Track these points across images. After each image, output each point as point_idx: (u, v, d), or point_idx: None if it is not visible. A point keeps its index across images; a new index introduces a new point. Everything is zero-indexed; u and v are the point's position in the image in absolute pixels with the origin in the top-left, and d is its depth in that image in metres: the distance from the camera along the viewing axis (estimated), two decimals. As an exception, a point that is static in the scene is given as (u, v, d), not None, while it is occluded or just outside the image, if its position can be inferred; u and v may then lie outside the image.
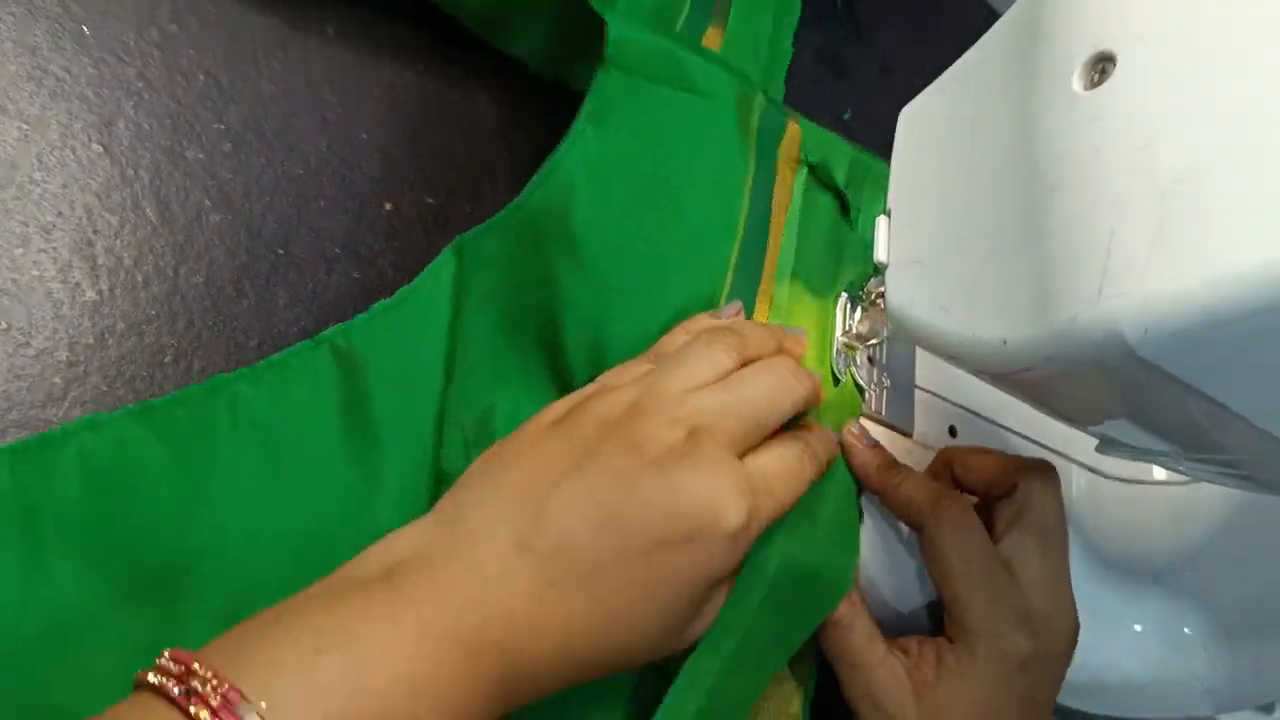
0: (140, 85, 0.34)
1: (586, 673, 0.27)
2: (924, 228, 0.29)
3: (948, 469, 0.38)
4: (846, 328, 0.38)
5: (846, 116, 0.54)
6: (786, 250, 0.37)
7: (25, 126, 0.32)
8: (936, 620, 0.36)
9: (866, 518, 0.37)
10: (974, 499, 0.37)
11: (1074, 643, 0.35)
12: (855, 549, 0.35)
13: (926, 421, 0.41)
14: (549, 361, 0.35)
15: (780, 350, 0.33)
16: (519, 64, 0.43)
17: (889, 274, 0.30)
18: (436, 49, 0.42)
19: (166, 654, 0.23)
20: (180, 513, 0.29)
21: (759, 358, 0.32)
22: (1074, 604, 0.35)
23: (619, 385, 0.30)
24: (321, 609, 0.25)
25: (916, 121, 0.31)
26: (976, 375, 0.28)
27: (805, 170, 0.40)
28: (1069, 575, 0.36)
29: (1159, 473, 0.46)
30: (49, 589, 0.27)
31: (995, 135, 0.26)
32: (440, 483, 0.32)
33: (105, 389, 0.31)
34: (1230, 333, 0.20)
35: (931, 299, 0.28)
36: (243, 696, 0.21)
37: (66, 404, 0.31)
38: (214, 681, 0.21)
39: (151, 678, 0.22)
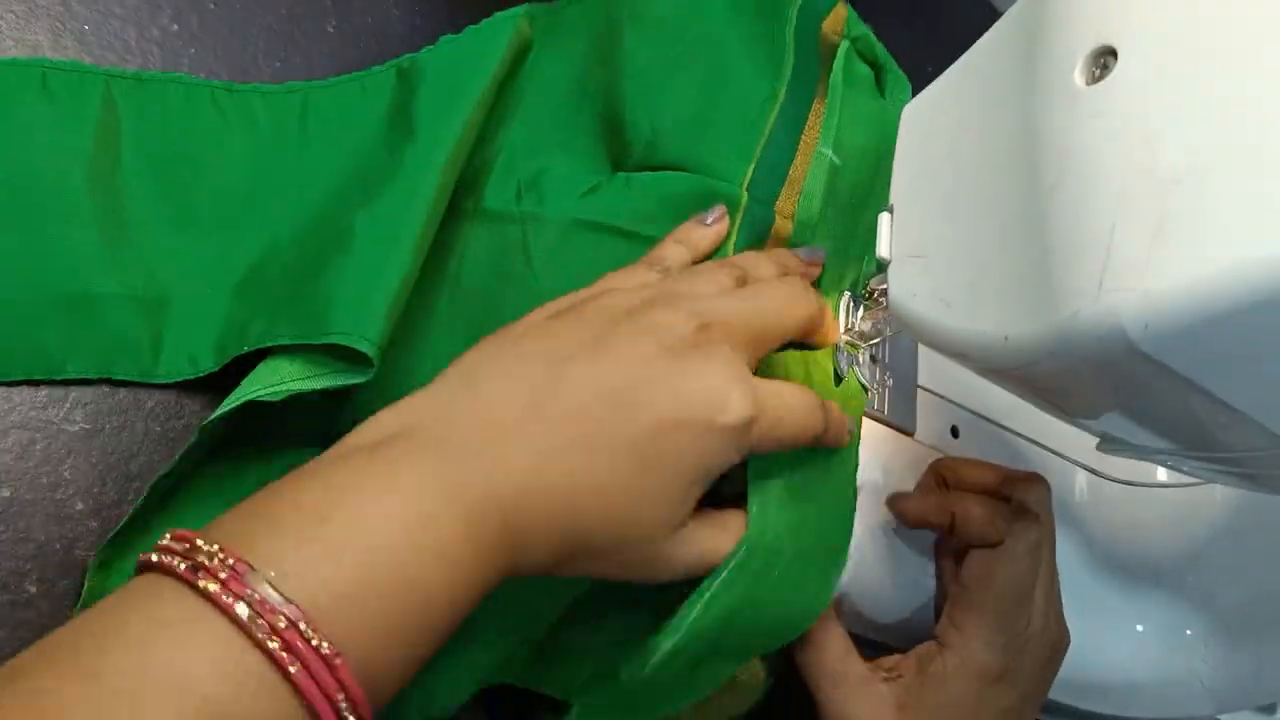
0: (141, 84, 0.34)
1: (582, 551, 0.27)
2: (926, 224, 0.29)
3: (940, 481, 0.38)
4: (849, 326, 0.38)
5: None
6: (828, 127, 0.37)
7: (26, 125, 0.32)
8: (916, 636, 0.36)
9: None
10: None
11: (1062, 656, 0.35)
12: (840, 565, 0.34)
13: (928, 421, 0.41)
14: (608, 139, 0.37)
15: (786, 270, 0.34)
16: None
17: (891, 269, 0.30)
18: (438, 48, 0.42)
19: (169, 535, 0.22)
20: (241, 174, 0.35)
21: (755, 272, 0.33)
22: (1062, 618, 0.36)
23: (625, 287, 0.31)
24: (326, 475, 0.25)
25: (919, 118, 0.31)
26: (978, 372, 0.28)
27: (846, 50, 0.39)
28: (1058, 588, 0.36)
29: (1161, 475, 0.46)
30: (113, 179, 0.33)
31: (997, 131, 0.26)
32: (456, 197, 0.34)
33: (106, 389, 0.31)
34: (1231, 328, 0.20)
35: (933, 294, 0.28)
36: (250, 566, 0.21)
37: (68, 404, 0.31)
38: (221, 555, 0.21)
39: (155, 557, 0.22)
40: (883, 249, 0.31)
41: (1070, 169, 0.23)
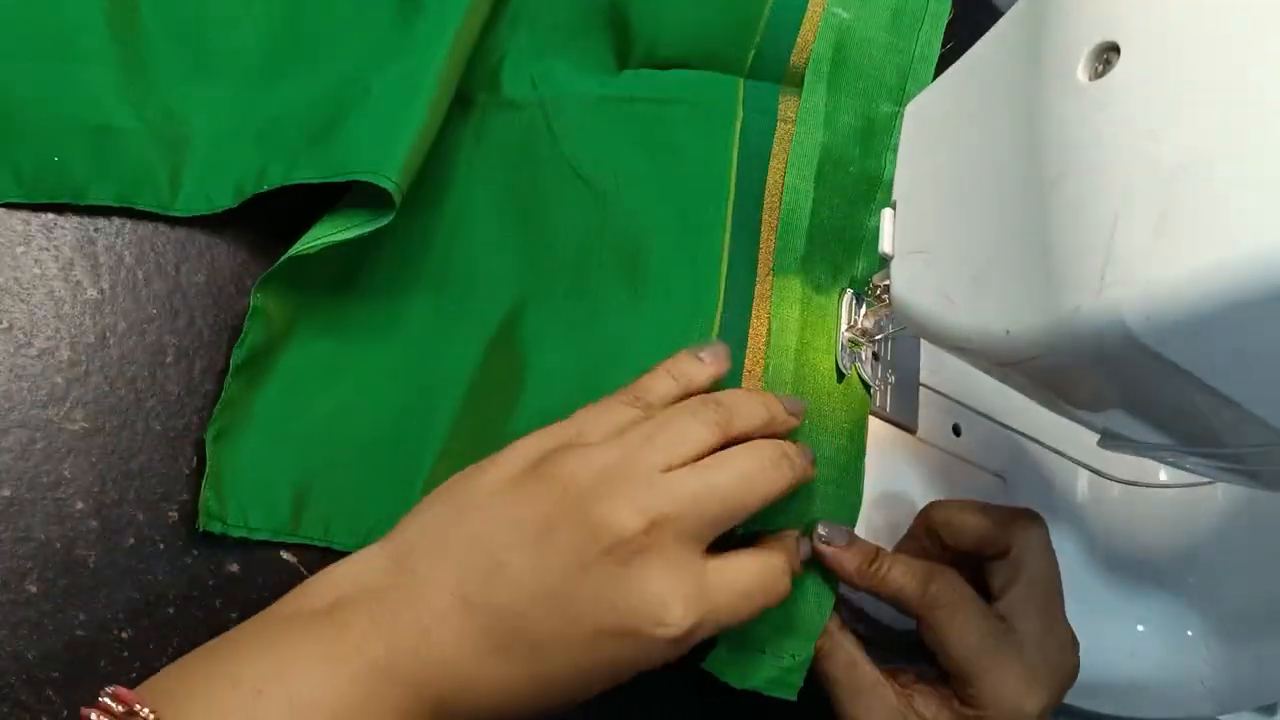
0: (142, 83, 0.34)
1: None
2: (929, 219, 0.29)
3: (931, 531, 0.36)
4: (852, 323, 0.38)
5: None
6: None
7: (27, 124, 0.32)
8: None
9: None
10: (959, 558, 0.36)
11: (1074, 677, 0.35)
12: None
13: (931, 419, 0.41)
14: (611, 42, 0.39)
15: (772, 423, 0.32)
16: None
17: (894, 264, 0.30)
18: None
19: (109, 691, 0.23)
20: (258, 35, 0.36)
21: (745, 435, 0.31)
22: (1074, 640, 0.35)
23: (591, 442, 0.29)
24: (263, 647, 0.25)
25: (923, 115, 0.31)
26: (980, 368, 0.28)
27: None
28: (1064, 615, 0.35)
29: (1163, 475, 0.46)
30: None
31: (1001, 127, 0.26)
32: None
33: (107, 388, 0.31)
34: (1232, 321, 0.20)
35: (936, 289, 0.28)
36: None
37: (68, 404, 0.30)
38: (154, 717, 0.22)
39: (94, 716, 0.23)
40: (885, 244, 0.31)
41: (1073, 163, 0.23)
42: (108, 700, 0.23)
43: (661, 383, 0.32)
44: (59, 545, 0.29)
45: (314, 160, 0.32)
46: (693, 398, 0.31)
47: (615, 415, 0.30)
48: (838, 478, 0.35)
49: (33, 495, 0.29)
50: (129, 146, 0.32)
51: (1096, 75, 0.22)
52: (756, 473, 0.29)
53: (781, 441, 0.31)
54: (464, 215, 0.37)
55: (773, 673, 0.33)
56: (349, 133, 0.32)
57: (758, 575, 0.29)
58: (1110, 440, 0.28)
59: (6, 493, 0.29)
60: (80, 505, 0.30)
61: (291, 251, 0.31)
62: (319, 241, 0.31)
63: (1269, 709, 0.48)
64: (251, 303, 0.32)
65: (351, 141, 0.32)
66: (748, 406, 0.31)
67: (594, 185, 0.37)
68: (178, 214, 0.33)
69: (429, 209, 0.36)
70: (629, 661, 0.28)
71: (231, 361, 0.32)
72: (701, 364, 0.32)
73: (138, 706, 0.22)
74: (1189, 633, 0.44)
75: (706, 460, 0.29)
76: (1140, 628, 0.44)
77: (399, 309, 0.36)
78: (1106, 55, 0.22)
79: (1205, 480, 0.45)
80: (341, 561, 0.28)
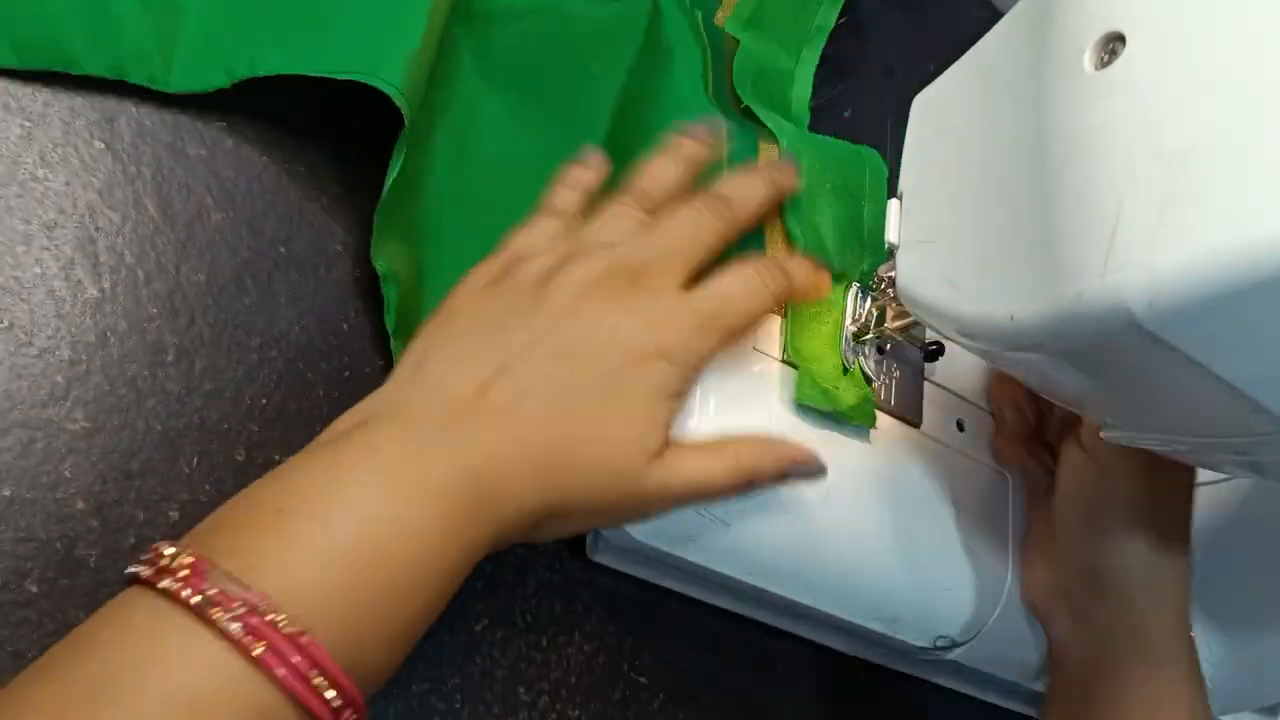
0: (142, 83, 0.34)
1: (564, 504, 0.28)
2: (935, 209, 0.30)
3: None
4: (856, 316, 0.38)
5: (847, 115, 0.54)
6: None
7: (28, 123, 0.32)
8: None
9: None
10: None
11: None
12: None
13: (934, 414, 0.41)
14: None
15: (686, 163, 0.34)
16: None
17: (899, 253, 0.31)
18: (438, 47, 0.42)
19: (147, 550, 0.23)
20: None
21: (661, 188, 0.33)
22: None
23: (536, 246, 0.31)
24: (285, 475, 0.25)
25: (929, 107, 0.32)
26: (984, 356, 0.28)
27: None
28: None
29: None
30: None
31: (1007, 117, 0.27)
32: None
33: (107, 388, 0.31)
34: (1234, 306, 0.20)
35: (941, 277, 0.28)
36: (211, 563, 0.22)
37: (69, 403, 0.30)
38: (182, 556, 0.22)
39: (130, 568, 0.23)
40: (891, 234, 0.31)
41: (1078, 150, 0.23)
42: (144, 556, 0.23)
43: (564, 195, 0.34)
44: (59, 545, 0.29)
45: (308, 55, 0.33)
46: (695, 198, 0.33)
47: (543, 227, 0.33)
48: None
49: (33, 495, 0.29)
50: (122, 17, 0.33)
51: (1102, 64, 0.23)
52: (692, 224, 0.32)
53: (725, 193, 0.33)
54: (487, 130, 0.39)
55: (854, 399, 0.36)
56: (346, 30, 0.33)
57: (737, 285, 0.31)
58: (1113, 430, 0.28)
59: (7, 492, 0.29)
60: (81, 505, 0.30)
61: (379, 206, 0.33)
62: (387, 184, 0.33)
63: (1270, 710, 0.48)
64: (378, 271, 0.34)
65: (347, 40, 0.33)
66: (664, 172, 0.34)
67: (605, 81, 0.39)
68: (172, 90, 0.34)
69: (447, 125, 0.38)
70: (649, 386, 0.28)
71: (387, 327, 0.34)
72: (586, 168, 0.35)
73: (164, 549, 0.23)
74: (1190, 633, 0.44)
75: (646, 229, 0.31)
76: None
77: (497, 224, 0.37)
78: (1112, 45, 0.23)
79: (1206, 481, 0.45)
80: (363, 400, 0.29)
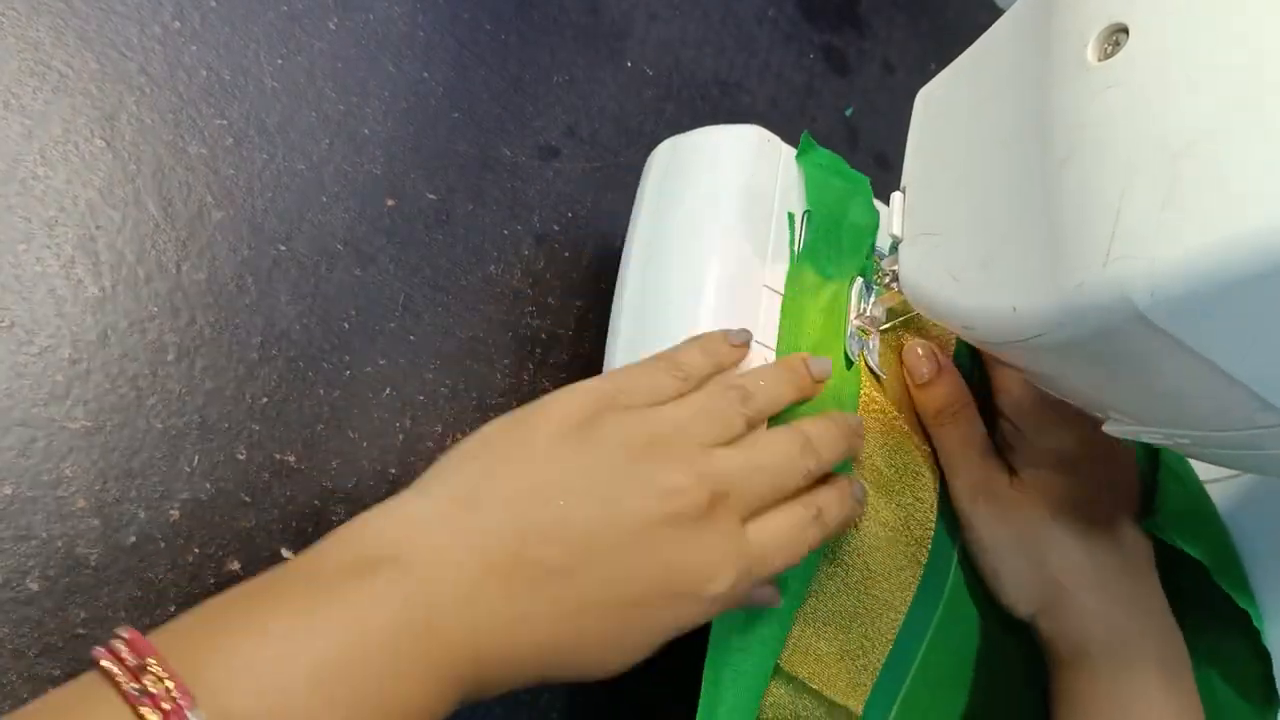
0: (143, 80, 0.34)
1: (547, 680, 0.27)
2: (938, 202, 0.30)
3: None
4: (860, 310, 0.38)
5: (850, 112, 0.54)
6: None
7: (28, 122, 0.32)
8: None
9: None
10: None
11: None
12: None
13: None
14: None
15: (799, 392, 0.33)
16: (518, 61, 0.43)
17: (902, 247, 0.31)
18: (437, 46, 0.42)
19: (124, 635, 0.22)
20: None
21: (770, 410, 0.32)
22: None
23: (634, 404, 0.30)
24: (290, 602, 0.24)
25: (933, 102, 0.32)
26: (987, 349, 0.28)
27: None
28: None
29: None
30: None
31: (1010, 110, 0.27)
32: None
33: (108, 386, 0.31)
34: (1234, 296, 0.20)
35: (944, 269, 0.28)
36: (194, 701, 0.21)
37: (69, 401, 0.30)
38: (169, 685, 0.21)
39: (105, 664, 0.21)
40: (895, 228, 0.31)
41: (1081, 142, 0.23)
42: (121, 646, 0.22)
43: (697, 357, 0.32)
44: (60, 543, 0.29)
45: None
46: (723, 379, 0.32)
47: (655, 380, 0.31)
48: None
49: (34, 493, 0.29)
50: None
51: (1105, 56, 0.23)
52: (787, 458, 0.31)
53: (806, 430, 0.32)
54: None
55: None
56: None
57: (788, 531, 0.30)
58: (1115, 424, 0.28)
59: (8, 491, 0.29)
60: (81, 503, 0.30)
61: None
62: None
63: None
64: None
65: None
66: (772, 383, 0.33)
67: None
68: None
69: None
70: (665, 624, 0.28)
71: None
72: (731, 347, 0.34)
73: (151, 663, 0.21)
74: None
75: (749, 439, 0.31)
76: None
77: None
78: (1115, 37, 0.23)
79: (1211, 479, 0.45)
80: (377, 509, 0.26)
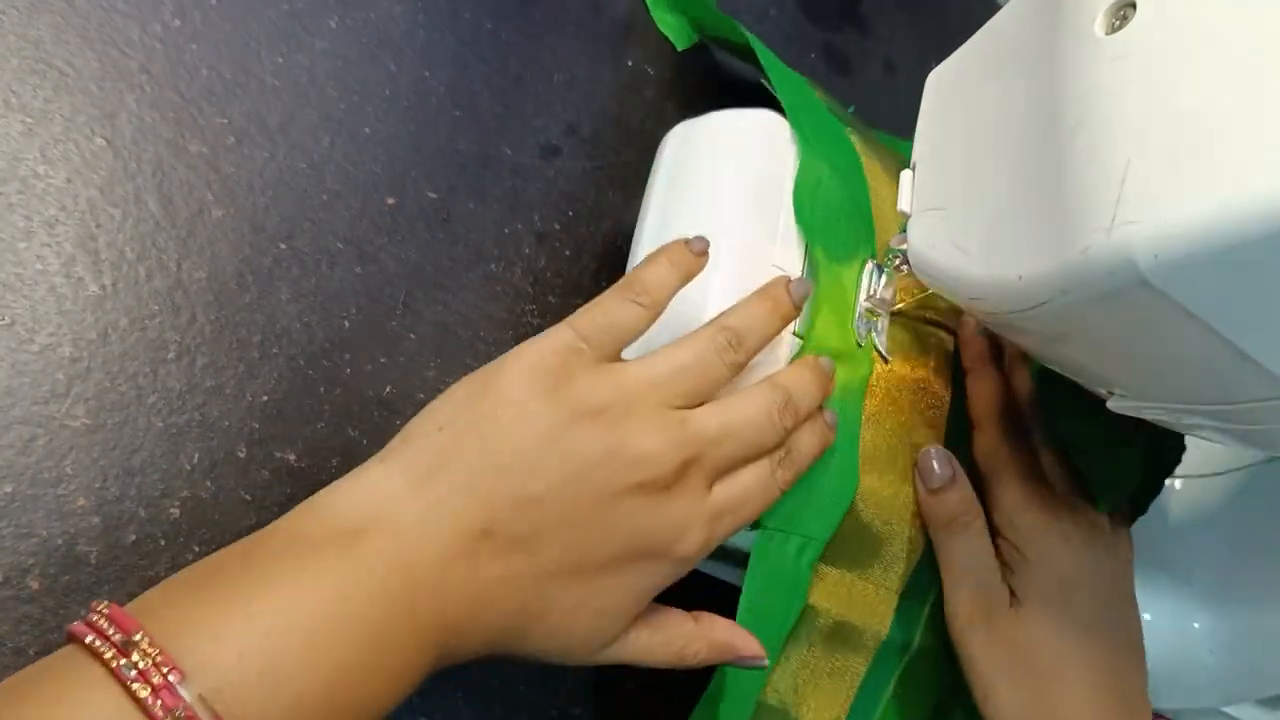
0: (143, 79, 0.34)
1: (522, 655, 0.28)
2: (946, 177, 0.30)
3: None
4: (870, 292, 0.38)
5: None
6: None
7: (29, 120, 0.32)
8: None
9: None
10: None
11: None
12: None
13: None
14: None
15: (784, 321, 0.33)
16: (519, 60, 0.43)
17: (911, 222, 0.31)
18: (438, 44, 0.42)
19: (103, 610, 0.22)
20: None
21: (758, 349, 0.32)
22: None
23: (604, 349, 0.29)
24: (272, 574, 0.24)
25: (943, 83, 0.32)
26: (992, 325, 0.29)
27: None
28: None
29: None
30: None
31: (1019, 84, 0.27)
32: None
33: (108, 384, 0.31)
34: (1239, 261, 0.20)
35: (951, 242, 0.28)
36: (184, 675, 0.21)
37: (70, 399, 0.30)
38: (158, 660, 0.21)
39: (89, 639, 0.21)
40: (903, 203, 0.32)
41: (1089, 113, 0.23)
42: (101, 621, 0.22)
43: (662, 272, 0.31)
44: (60, 541, 0.29)
45: None
46: (709, 326, 0.31)
47: (622, 314, 0.30)
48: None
49: (34, 491, 0.29)
50: None
51: (1113, 29, 0.23)
52: (773, 417, 0.31)
53: (786, 384, 0.32)
54: None
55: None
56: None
57: (757, 480, 0.31)
58: (1119, 400, 0.29)
59: (8, 489, 0.29)
60: (82, 501, 0.30)
61: None
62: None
63: (1272, 701, 0.48)
64: None
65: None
66: (765, 327, 0.32)
67: None
68: None
69: None
70: (638, 585, 0.28)
71: None
72: (695, 255, 0.32)
73: (138, 637, 0.21)
74: (1195, 625, 0.44)
75: (725, 402, 0.30)
76: (1147, 617, 0.44)
77: None
78: (1123, 10, 0.23)
79: (1213, 473, 0.45)
80: (347, 480, 0.27)
